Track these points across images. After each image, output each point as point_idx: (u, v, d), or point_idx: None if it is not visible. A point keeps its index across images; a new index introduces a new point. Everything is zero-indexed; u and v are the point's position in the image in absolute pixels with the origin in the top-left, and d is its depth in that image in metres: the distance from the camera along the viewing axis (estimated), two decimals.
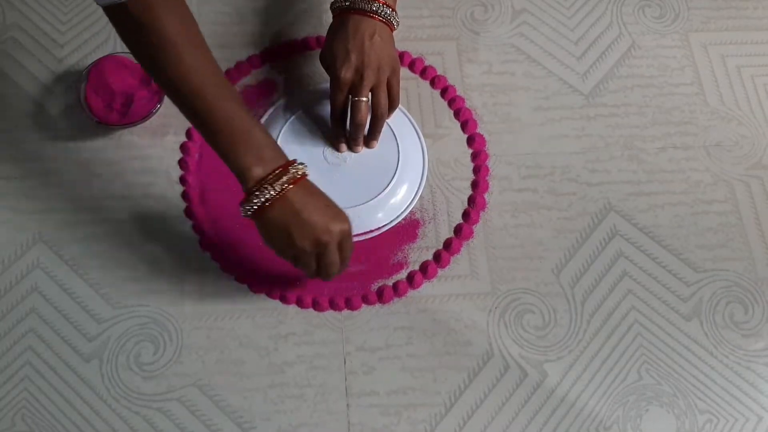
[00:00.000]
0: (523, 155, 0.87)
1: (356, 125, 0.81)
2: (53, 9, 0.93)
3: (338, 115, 0.82)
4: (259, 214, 0.68)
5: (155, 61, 0.67)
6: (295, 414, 0.75)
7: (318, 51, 0.87)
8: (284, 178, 0.67)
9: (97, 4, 0.65)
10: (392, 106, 0.83)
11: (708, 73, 0.93)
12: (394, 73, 0.81)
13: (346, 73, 0.78)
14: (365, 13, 0.78)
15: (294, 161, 0.69)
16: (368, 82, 0.78)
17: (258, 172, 0.67)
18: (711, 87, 0.92)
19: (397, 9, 0.80)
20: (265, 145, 0.69)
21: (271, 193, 0.67)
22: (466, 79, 0.91)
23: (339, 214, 0.70)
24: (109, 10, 0.66)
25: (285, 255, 0.71)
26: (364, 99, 0.79)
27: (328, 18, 0.82)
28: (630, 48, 0.94)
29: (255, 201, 0.67)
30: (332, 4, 0.81)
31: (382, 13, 0.78)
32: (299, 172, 0.68)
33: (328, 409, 0.75)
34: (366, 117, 0.80)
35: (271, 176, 0.67)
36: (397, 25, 0.81)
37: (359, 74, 0.78)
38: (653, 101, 0.91)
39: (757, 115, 0.91)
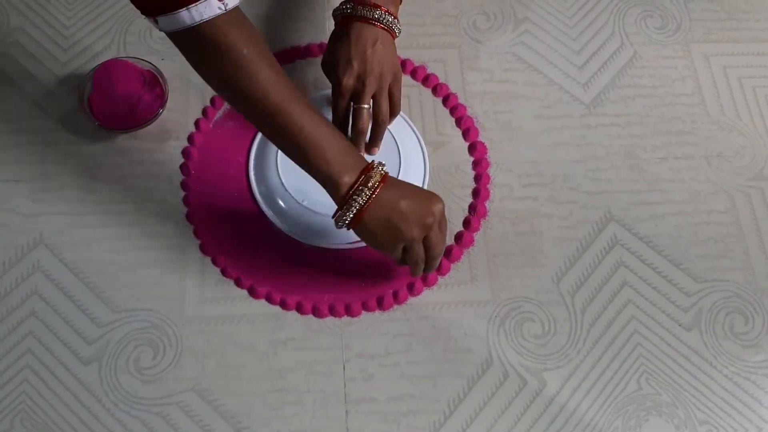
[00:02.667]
0: (524, 163, 0.87)
1: (357, 132, 0.81)
2: (57, 13, 0.94)
3: (339, 121, 0.82)
4: (359, 220, 0.69)
5: (230, 81, 0.67)
6: (293, 420, 0.75)
7: (320, 57, 0.87)
8: (372, 180, 0.68)
9: (161, 30, 0.65)
10: (393, 113, 0.83)
11: (709, 84, 0.93)
12: (396, 80, 0.81)
13: (348, 80, 0.78)
14: (367, 20, 0.78)
15: (373, 162, 0.70)
16: (370, 90, 0.79)
17: (347, 179, 0.68)
18: (712, 98, 0.92)
19: (398, 16, 0.81)
20: (347, 151, 0.70)
21: (366, 195, 0.68)
22: (467, 87, 0.92)
23: (432, 195, 0.72)
24: (178, 35, 0.66)
25: (395, 251, 0.72)
26: (366, 106, 0.79)
27: (331, 25, 0.82)
28: (632, 58, 0.94)
29: (352, 208, 0.68)
30: (334, 11, 0.81)
31: (384, 21, 0.79)
32: (382, 170, 0.70)
33: (327, 415, 0.75)
34: (367, 124, 0.81)
35: (359, 181, 0.68)
36: (399, 32, 0.81)
37: (361, 81, 0.78)
38: (654, 111, 0.91)
39: (757, 125, 0.91)
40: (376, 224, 0.69)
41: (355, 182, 0.68)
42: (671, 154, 0.89)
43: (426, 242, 0.72)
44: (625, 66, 0.94)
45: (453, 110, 0.90)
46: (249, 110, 0.69)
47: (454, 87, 0.92)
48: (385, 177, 0.70)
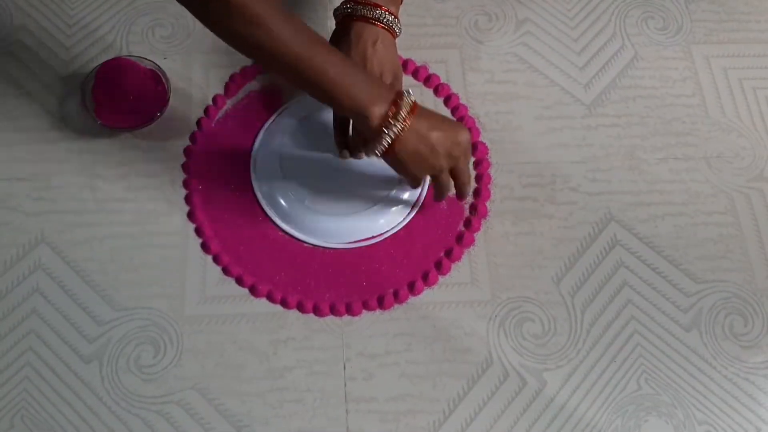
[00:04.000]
0: (524, 164, 0.88)
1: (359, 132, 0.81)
2: (60, 11, 0.94)
3: (339, 122, 0.82)
4: (392, 150, 0.71)
5: (249, 39, 0.67)
6: (294, 419, 0.75)
7: None
8: (403, 111, 0.69)
9: None
10: None
11: (710, 85, 0.93)
12: (397, 80, 0.81)
13: None
14: (367, 19, 0.78)
15: (401, 91, 0.71)
16: None
17: (378, 110, 0.69)
18: (712, 99, 0.92)
19: (399, 16, 0.81)
20: (374, 82, 0.71)
21: (398, 126, 0.69)
22: (469, 88, 0.92)
23: (459, 126, 0.74)
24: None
25: (421, 180, 0.77)
26: None
27: (333, 24, 0.82)
28: (632, 59, 0.95)
29: (384, 140, 0.70)
30: (335, 10, 0.81)
31: (384, 20, 0.79)
32: (411, 100, 0.71)
33: (327, 414, 0.75)
34: None
35: (390, 112, 0.69)
36: (400, 32, 0.81)
37: None
38: (655, 112, 0.91)
39: (758, 127, 0.91)
40: (406, 155, 0.71)
41: (386, 114, 0.69)
42: (671, 155, 0.89)
43: (453, 172, 0.75)
44: (625, 67, 0.94)
45: (454, 110, 0.90)
46: (273, 64, 0.70)
47: (455, 87, 0.92)
48: (414, 106, 0.70)
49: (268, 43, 0.67)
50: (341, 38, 0.79)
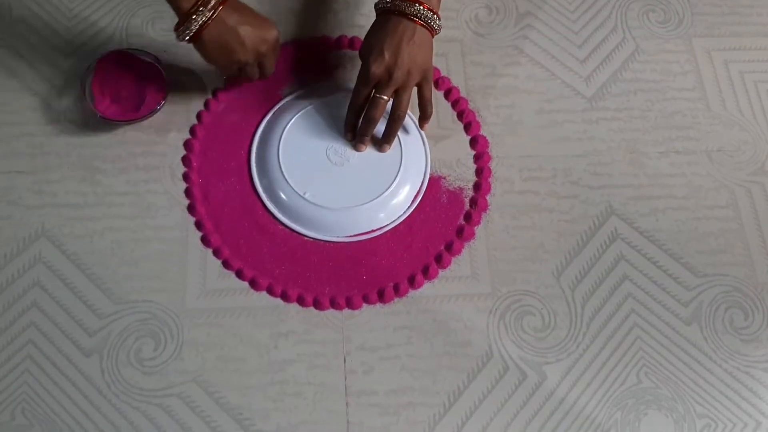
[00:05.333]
0: (525, 157, 0.88)
1: (368, 119, 0.81)
2: (59, 4, 0.94)
3: (357, 108, 0.82)
4: (198, 37, 0.75)
5: None
6: (294, 412, 0.75)
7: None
8: (213, 1, 0.73)
9: None
10: (425, 115, 0.84)
11: (711, 79, 0.93)
12: (426, 80, 0.81)
13: (377, 69, 0.78)
14: (406, 15, 0.78)
15: None
16: (395, 83, 0.79)
17: None
18: (714, 92, 0.92)
19: (439, 12, 0.80)
20: None
21: (207, 15, 0.74)
22: (469, 81, 0.92)
23: (268, 24, 0.79)
24: None
25: (230, 70, 0.81)
26: (385, 97, 0.80)
27: (362, 21, 0.82)
28: (633, 52, 0.94)
29: (192, 26, 0.74)
30: (376, 3, 0.82)
31: (422, 17, 0.79)
32: None
33: (328, 407, 0.75)
34: (380, 115, 0.81)
35: (200, 1, 0.73)
36: (439, 29, 0.81)
37: (388, 73, 0.78)
38: (656, 106, 0.91)
39: (759, 120, 0.91)
40: (213, 44, 0.76)
41: (196, 2, 0.73)
42: (672, 149, 0.89)
43: (260, 66, 0.82)
44: (626, 60, 0.94)
45: (455, 104, 0.90)
46: None
47: (455, 81, 0.91)
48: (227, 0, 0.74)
49: None
50: (379, 29, 0.80)
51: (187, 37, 0.75)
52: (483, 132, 0.89)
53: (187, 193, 0.84)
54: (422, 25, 0.79)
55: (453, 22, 0.95)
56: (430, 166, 0.86)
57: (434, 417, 0.75)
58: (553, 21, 0.96)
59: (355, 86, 0.81)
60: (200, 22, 0.74)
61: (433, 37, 0.81)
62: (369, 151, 0.85)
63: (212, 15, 0.73)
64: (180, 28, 0.75)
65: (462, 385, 0.77)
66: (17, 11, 0.93)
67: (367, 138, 0.83)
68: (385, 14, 0.80)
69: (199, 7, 0.73)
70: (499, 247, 0.83)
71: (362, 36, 0.82)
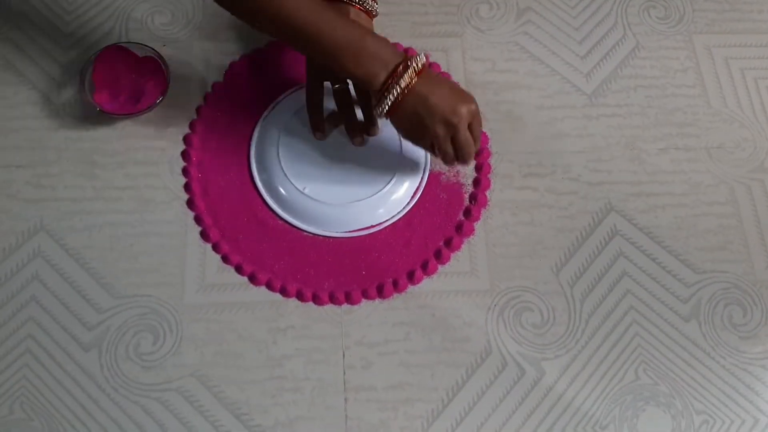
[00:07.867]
0: (524, 153, 0.87)
1: (345, 113, 0.82)
2: None
3: (317, 105, 0.82)
4: (393, 111, 0.72)
5: (253, 6, 0.69)
6: (292, 407, 0.75)
7: None
8: (407, 73, 0.70)
9: None
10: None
11: (711, 75, 0.93)
12: None
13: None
14: (344, 1, 0.78)
15: (408, 55, 0.71)
16: None
17: (383, 74, 0.70)
18: (714, 89, 0.92)
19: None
20: (382, 46, 0.71)
21: (399, 88, 0.70)
22: (470, 77, 0.91)
23: (465, 95, 0.74)
24: None
25: (424, 143, 0.76)
26: (344, 85, 0.80)
27: None
28: (634, 48, 0.94)
29: (386, 101, 0.71)
30: None
31: (361, 1, 0.79)
32: (420, 63, 0.71)
33: (326, 402, 0.75)
34: (351, 102, 0.81)
35: (395, 74, 0.70)
36: (376, 12, 0.81)
37: None
38: (656, 102, 0.91)
39: (759, 117, 0.91)
40: (406, 117, 0.72)
41: (390, 76, 0.70)
42: (672, 145, 0.89)
43: (454, 142, 0.74)
44: (627, 56, 0.94)
45: None
46: (278, 31, 0.71)
47: (456, 76, 0.91)
48: (421, 71, 0.71)
49: (275, 8, 0.68)
50: None
51: (383, 113, 0.73)
52: (483, 128, 0.88)
53: (186, 187, 0.84)
54: (361, 9, 0.79)
55: (453, 17, 0.95)
56: (429, 162, 0.86)
57: (433, 412, 0.75)
58: (553, 17, 0.96)
59: (306, 84, 0.81)
60: (392, 98, 0.71)
61: (372, 19, 0.81)
62: (368, 147, 0.85)
63: (404, 89, 0.70)
64: (375, 106, 0.73)
65: (460, 380, 0.77)
66: (17, 5, 0.93)
67: (356, 129, 0.83)
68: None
69: (391, 83, 0.70)
70: (498, 243, 0.83)
71: None
